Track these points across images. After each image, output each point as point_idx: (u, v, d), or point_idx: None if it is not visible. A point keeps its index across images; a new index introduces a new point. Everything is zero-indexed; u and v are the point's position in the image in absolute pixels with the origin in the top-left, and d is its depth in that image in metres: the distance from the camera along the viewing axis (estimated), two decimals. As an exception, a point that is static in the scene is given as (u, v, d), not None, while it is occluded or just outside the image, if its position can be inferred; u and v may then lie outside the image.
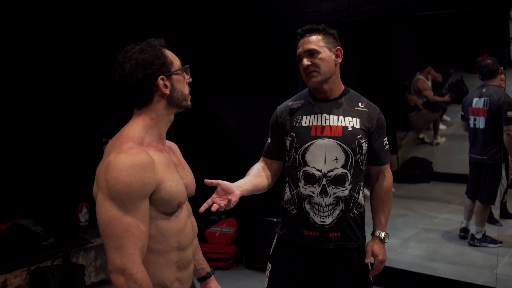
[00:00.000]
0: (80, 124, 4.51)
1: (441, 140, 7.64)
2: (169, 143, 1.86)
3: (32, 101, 4.21)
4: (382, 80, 6.91)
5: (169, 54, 1.70)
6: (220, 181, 2.03)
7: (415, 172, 7.07)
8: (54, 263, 3.68)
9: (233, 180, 2.21)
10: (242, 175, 2.43)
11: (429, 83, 7.72)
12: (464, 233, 4.85)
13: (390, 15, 3.84)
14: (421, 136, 7.88)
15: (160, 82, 1.63)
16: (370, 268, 2.39)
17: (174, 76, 1.68)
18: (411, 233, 5.22)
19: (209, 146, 5.11)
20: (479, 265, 4.33)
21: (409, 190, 6.82)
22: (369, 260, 2.35)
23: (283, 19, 4.44)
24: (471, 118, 4.61)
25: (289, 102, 2.42)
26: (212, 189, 2.04)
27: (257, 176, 2.31)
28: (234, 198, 2.04)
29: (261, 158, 2.46)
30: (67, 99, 4.41)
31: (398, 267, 4.21)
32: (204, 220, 4.71)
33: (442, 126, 7.81)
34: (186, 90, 1.73)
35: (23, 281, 3.58)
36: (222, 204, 1.96)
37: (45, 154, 4.26)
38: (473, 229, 4.71)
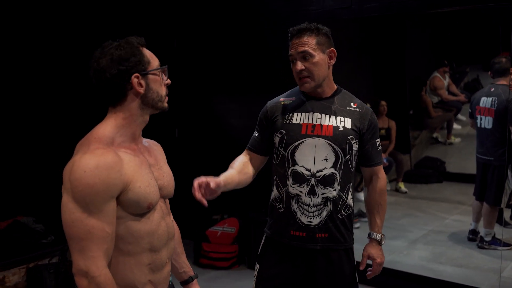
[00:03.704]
0: (82, 122, 4.51)
1: (454, 140, 7.52)
2: (149, 142, 1.83)
3: (34, 100, 4.23)
4: (396, 79, 6.83)
5: (147, 53, 1.67)
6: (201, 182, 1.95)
7: (428, 172, 6.98)
8: (51, 261, 3.69)
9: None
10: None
11: (445, 82, 7.60)
12: (472, 235, 4.76)
13: (393, 13, 3.78)
14: (435, 135, 7.77)
15: (134, 80, 1.60)
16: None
17: (150, 76, 1.64)
18: (419, 234, 5.14)
19: (212, 145, 5.09)
20: (486, 268, 4.24)
21: (421, 190, 6.73)
22: (363, 267, 2.32)
23: (285, 18, 4.39)
24: (478, 117, 4.51)
25: (280, 98, 2.38)
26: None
27: (241, 173, 2.27)
28: (214, 196, 2.00)
29: (245, 151, 2.41)
30: (68, 97, 4.42)
31: (403, 269, 4.14)
32: (206, 220, 4.69)
33: (456, 126, 7.69)
34: (162, 91, 1.69)
35: (21, 278, 3.61)
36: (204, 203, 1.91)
37: (46, 152, 4.28)
38: (482, 231, 4.61)
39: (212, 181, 1.97)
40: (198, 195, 1.90)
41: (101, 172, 1.49)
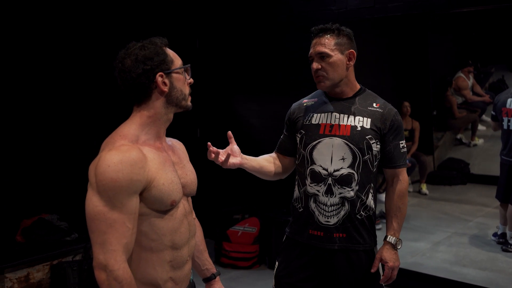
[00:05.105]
0: (106, 121, 4.56)
1: (478, 141, 7.41)
2: (172, 141, 1.86)
3: (59, 99, 4.28)
4: (419, 79, 6.75)
5: (170, 52, 1.70)
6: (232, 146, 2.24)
7: (452, 174, 6.89)
8: (74, 258, 3.74)
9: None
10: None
11: (469, 82, 7.50)
12: (503, 239, 4.66)
13: (416, 12, 3.73)
14: (458, 136, 7.67)
15: (159, 79, 1.63)
16: (382, 273, 2.33)
17: (174, 75, 1.67)
18: (442, 236, 5.08)
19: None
20: (510, 271, 4.17)
21: (444, 192, 6.65)
22: (375, 269, 2.28)
23: (307, 18, 4.38)
24: (505, 119, 4.43)
25: (303, 100, 2.42)
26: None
27: (266, 160, 2.37)
28: (234, 161, 2.19)
29: (273, 152, 2.48)
30: (93, 97, 4.47)
31: (425, 271, 4.09)
32: (227, 219, 4.70)
33: (481, 127, 7.58)
34: (186, 90, 1.72)
35: (45, 275, 3.66)
36: (220, 160, 2.14)
37: (71, 151, 4.33)
38: (507, 234, 4.54)
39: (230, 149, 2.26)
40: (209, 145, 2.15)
41: (125, 168, 1.51)
